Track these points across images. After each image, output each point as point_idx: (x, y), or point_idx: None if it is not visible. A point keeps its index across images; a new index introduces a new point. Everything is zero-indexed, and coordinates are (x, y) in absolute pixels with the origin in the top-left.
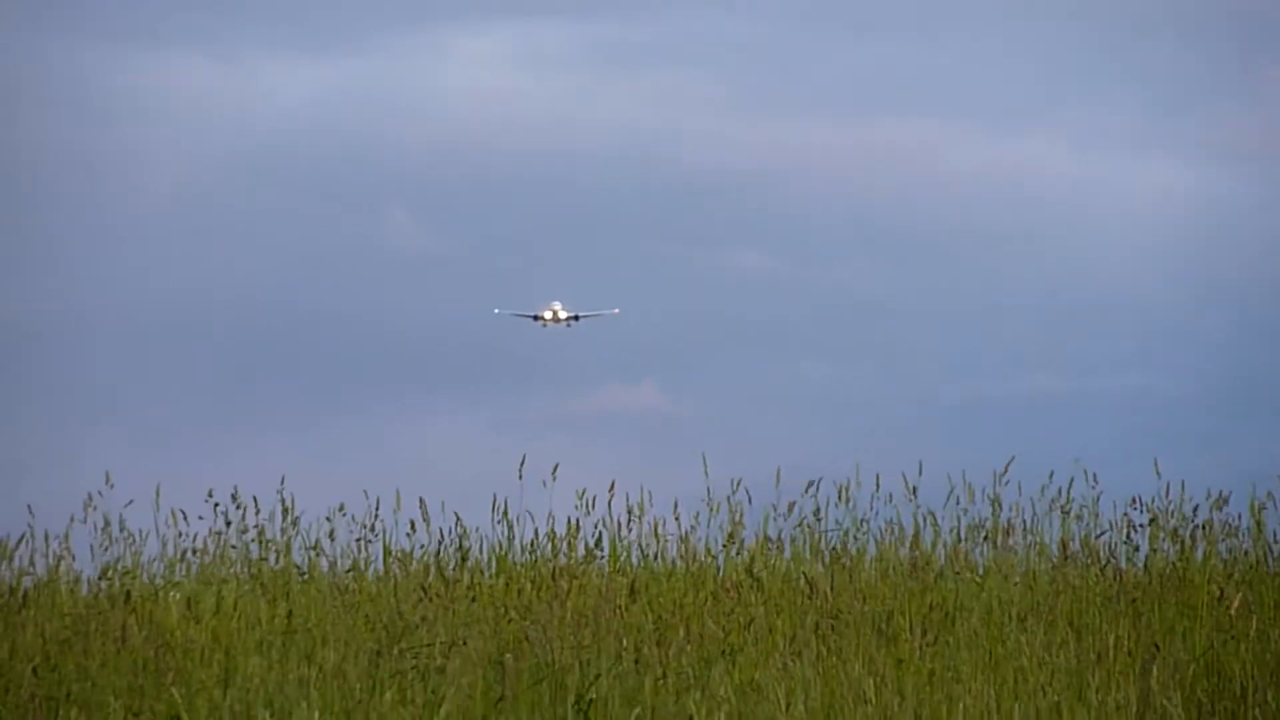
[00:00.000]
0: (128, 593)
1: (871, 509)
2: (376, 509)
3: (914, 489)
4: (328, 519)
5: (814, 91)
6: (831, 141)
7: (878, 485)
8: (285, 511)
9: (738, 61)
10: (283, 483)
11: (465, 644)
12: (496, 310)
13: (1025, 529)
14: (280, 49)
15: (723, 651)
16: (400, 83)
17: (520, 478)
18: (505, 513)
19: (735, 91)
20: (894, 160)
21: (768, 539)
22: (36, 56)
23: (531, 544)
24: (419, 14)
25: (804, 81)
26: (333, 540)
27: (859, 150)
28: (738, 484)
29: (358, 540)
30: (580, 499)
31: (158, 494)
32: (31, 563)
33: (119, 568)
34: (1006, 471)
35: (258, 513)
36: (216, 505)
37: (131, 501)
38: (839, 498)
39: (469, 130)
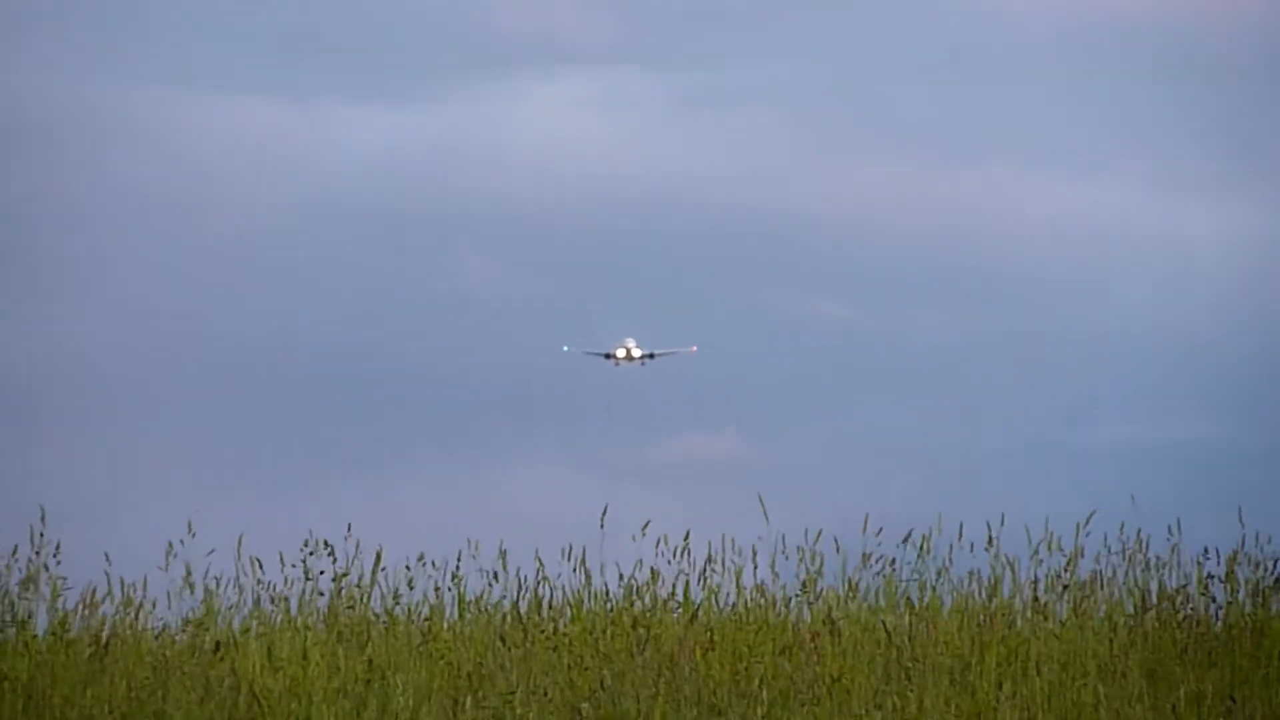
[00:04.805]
0: (217, 643)
1: (950, 559)
2: (459, 560)
3: (994, 538)
4: (407, 567)
5: (891, 138)
6: (908, 188)
7: (960, 534)
8: (361, 559)
9: (814, 107)
10: (352, 530)
11: (547, 695)
12: (566, 348)
13: (1102, 580)
14: (353, 94)
15: (801, 702)
16: (473, 129)
17: (602, 527)
18: (583, 560)
19: (811, 137)
20: (971, 207)
21: (849, 586)
22: (112, 97)
23: (607, 592)
24: (492, 60)
25: (881, 128)
26: (411, 588)
27: (936, 197)
28: (818, 534)
29: (435, 588)
30: (659, 547)
31: (250, 542)
32: (119, 611)
33: (199, 616)
34: (1088, 523)
35: (333, 560)
36: (295, 552)
37: (214, 550)
38: (920, 547)
39: (543, 176)
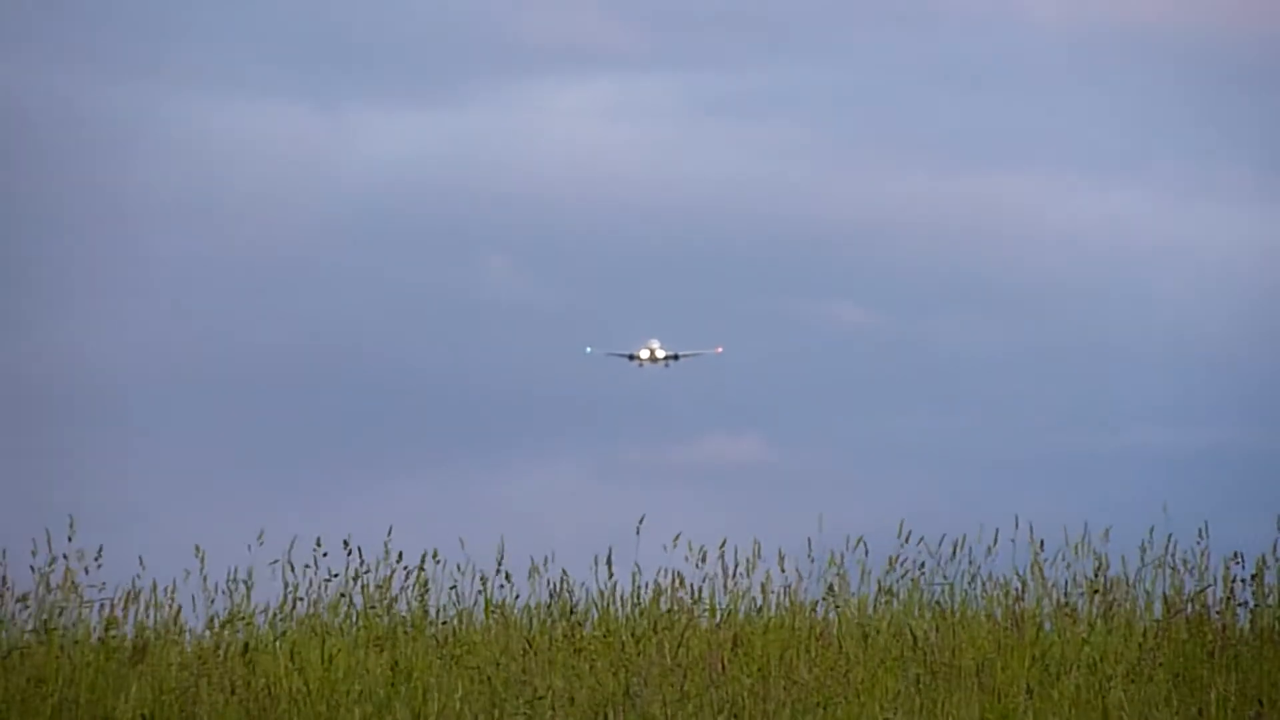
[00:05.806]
0: (245, 644)
1: (977, 562)
2: (495, 564)
3: (1040, 541)
4: (421, 568)
5: (913, 144)
6: (930, 194)
7: (996, 539)
8: (386, 562)
9: (838, 114)
10: (376, 533)
11: (573, 701)
12: (589, 349)
13: (1128, 583)
14: (379, 100)
15: (819, 704)
16: (498, 134)
17: (638, 533)
18: (610, 568)
19: (835, 144)
20: (994, 213)
21: (881, 590)
22: (137, 102)
23: (634, 596)
24: (517, 66)
25: (903, 134)
26: (426, 589)
27: (958, 203)
28: (846, 539)
29: (456, 589)
30: (691, 553)
31: (277, 546)
32: (147, 613)
33: (227, 619)
34: (1109, 532)
35: (362, 564)
36: (324, 555)
37: (242, 553)
38: (947, 551)
39: (567, 181)
